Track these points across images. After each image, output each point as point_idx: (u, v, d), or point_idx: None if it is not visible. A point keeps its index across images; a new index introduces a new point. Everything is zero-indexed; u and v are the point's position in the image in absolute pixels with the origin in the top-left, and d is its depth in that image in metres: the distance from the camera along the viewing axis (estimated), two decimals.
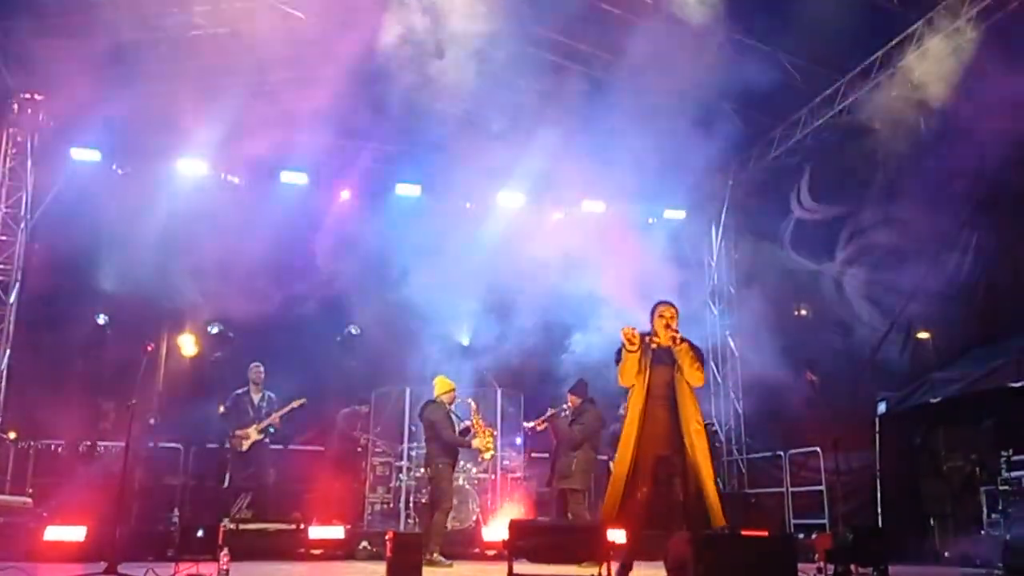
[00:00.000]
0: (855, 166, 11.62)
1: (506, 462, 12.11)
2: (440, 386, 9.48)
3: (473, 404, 10.01)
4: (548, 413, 10.20)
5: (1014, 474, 8.51)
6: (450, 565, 8.66)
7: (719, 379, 14.00)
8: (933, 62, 10.01)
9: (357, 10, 10.79)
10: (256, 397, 10.55)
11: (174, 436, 11.08)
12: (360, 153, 13.47)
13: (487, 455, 9.83)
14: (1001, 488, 8.61)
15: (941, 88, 9.83)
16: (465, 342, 13.59)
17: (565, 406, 10.02)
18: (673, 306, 6.59)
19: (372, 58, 10.83)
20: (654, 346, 6.43)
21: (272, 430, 10.52)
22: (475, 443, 9.48)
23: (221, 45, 10.70)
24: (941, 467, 10.23)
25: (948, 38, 9.82)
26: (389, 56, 10.81)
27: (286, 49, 11.14)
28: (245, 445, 10.30)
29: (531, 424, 10.58)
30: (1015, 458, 8.56)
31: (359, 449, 11.79)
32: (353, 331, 11.81)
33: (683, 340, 6.37)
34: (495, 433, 10.01)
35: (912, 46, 10.29)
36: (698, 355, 6.43)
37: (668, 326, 6.43)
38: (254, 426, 10.35)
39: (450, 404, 9.50)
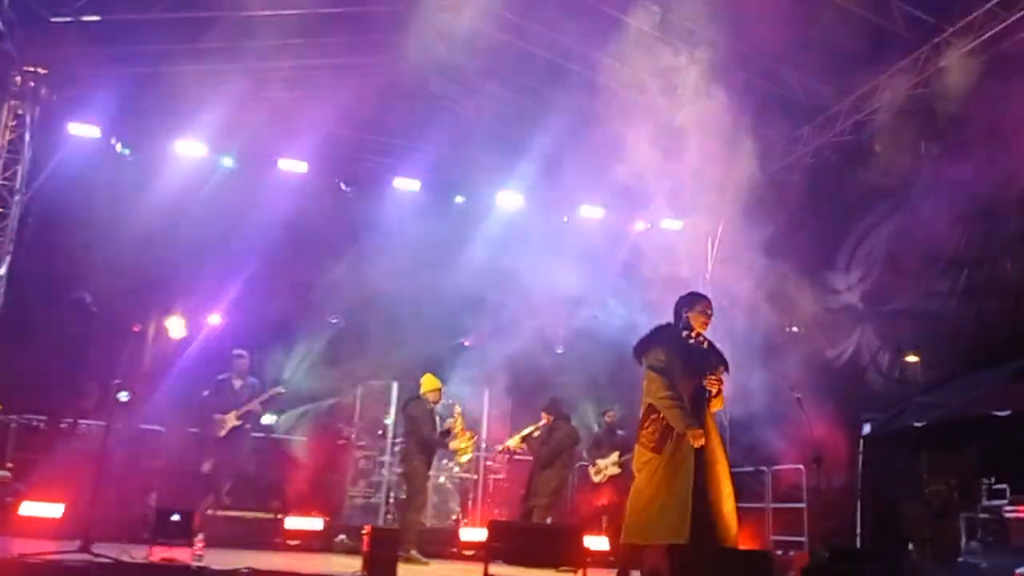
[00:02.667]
0: (853, 187, 11.64)
1: (489, 463, 12.10)
2: (426, 384, 9.46)
3: (457, 407, 9.99)
4: (521, 434, 10.24)
5: (994, 502, 8.52)
6: (427, 563, 8.64)
7: None
8: (937, 87, 10.04)
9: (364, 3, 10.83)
10: (237, 384, 10.53)
11: (156, 418, 11.02)
12: (360, 145, 13.44)
13: (462, 458, 9.78)
14: (980, 515, 8.63)
15: (944, 113, 9.85)
16: (457, 340, 13.57)
17: (541, 424, 10.10)
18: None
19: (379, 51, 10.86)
20: (691, 343, 6.09)
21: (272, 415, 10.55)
22: (452, 444, 9.45)
23: (226, 28, 10.67)
24: (922, 491, 10.21)
25: (954, 64, 9.84)
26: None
27: (291, 37, 11.14)
28: (223, 431, 10.28)
29: (503, 447, 10.58)
30: (996, 486, 8.57)
31: (341, 441, 11.76)
32: (334, 320, 11.69)
33: (719, 391, 6.07)
34: (475, 438, 9.99)
35: (917, 70, 10.31)
36: (727, 369, 6.21)
37: (700, 334, 6.16)
38: (233, 412, 10.34)
39: (434, 403, 9.48)
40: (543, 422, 10.00)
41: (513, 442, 10.19)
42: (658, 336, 6.23)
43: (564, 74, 12.16)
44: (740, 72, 11.24)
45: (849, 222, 11.67)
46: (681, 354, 6.02)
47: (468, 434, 9.71)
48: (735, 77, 11.23)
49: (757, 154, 13.07)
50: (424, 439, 9.11)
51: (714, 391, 6.01)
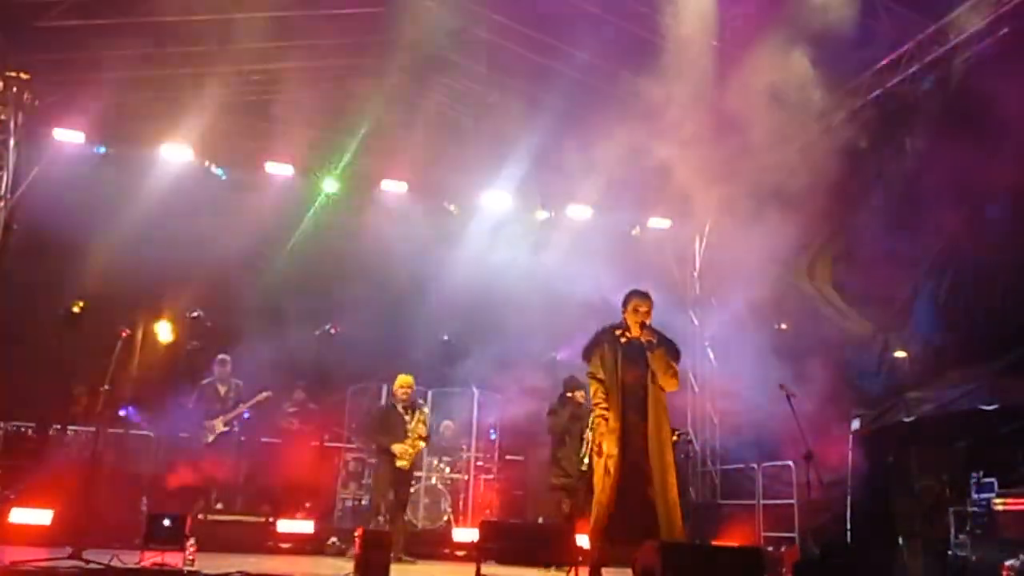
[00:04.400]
0: (841, 184, 11.67)
1: (480, 463, 12.09)
2: (396, 381, 9.49)
3: (424, 409, 9.84)
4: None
5: (983, 496, 8.56)
6: (414, 562, 8.66)
7: (696, 389, 14.01)
8: (921, 84, 10.09)
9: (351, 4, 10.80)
10: (222, 388, 10.48)
11: (146, 423, 10.97)
12: (346, 147, 13.39)
13: (399, 463, 9.33)
14: (970, 509, 8.66)
15: (928, 110, 9.90)
16: (445, 340, 13.56)
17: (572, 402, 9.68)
18: (649, 299, 6.30)
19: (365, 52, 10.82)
20: (624, 340, 6.19)
21: (246, 415, 10.49)
22: (395, 448, 9.26)
23: (210, 31, 10.63)
24: (912, 486, 10.26)
25: (937, 62, 9.89)
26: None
27: (275, 39, 11.11)
28: (210, 437, 10.23)
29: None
30: (984, 480, 8.61)
31: (316, 442, 11.59)
32: (331, 330, 11.56)
33: (659, 344, 6.16)
34: (422, 446, 9.64)
35: (901, 68, 10.36)
36: (674, 357, 6.20)
37: (643, 324, 6.21)
38: (220, 418, 10.30)
39: (402, 399, 9.42)
40: (577, 398, 9.60)
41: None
42: (596, 339, 6.36)
43: (553, 74, 12.15)
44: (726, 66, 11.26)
45: (836, 219, 11.70)
46: (617, 351, 6.15)
47: (414, 440, 9.40)
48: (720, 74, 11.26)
49: (745, 151, 13.17)
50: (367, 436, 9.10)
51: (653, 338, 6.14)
